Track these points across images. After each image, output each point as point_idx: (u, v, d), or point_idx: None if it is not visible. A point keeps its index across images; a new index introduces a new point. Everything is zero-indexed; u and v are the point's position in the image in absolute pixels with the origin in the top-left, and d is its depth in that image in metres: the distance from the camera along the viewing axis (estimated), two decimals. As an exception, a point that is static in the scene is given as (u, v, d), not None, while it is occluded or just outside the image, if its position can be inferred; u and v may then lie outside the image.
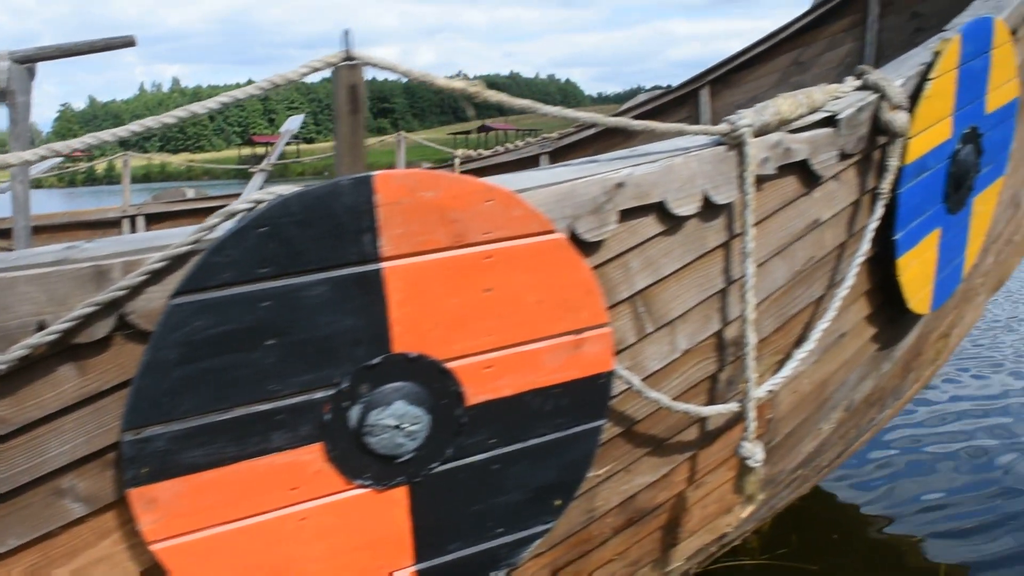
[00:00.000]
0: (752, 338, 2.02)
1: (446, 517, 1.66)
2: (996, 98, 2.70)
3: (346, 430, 1.53)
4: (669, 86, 5.75)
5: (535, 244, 1.61)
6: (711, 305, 2.06)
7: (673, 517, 2.34)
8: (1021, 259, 4.32)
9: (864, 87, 2.25)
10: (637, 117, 5.32)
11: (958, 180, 2.58)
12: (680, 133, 1.99)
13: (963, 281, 2.95)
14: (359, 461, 1.56)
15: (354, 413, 1.53)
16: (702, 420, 2.18)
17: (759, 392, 2.11)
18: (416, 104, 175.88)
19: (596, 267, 1.81)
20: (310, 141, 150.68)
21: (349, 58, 1.64)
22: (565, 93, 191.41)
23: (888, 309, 2.59)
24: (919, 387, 3.47)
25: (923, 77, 2.34)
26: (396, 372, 1.55)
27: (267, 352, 1.46)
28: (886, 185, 2.28)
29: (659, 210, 1.87)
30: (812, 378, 2.45)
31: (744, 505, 2.25)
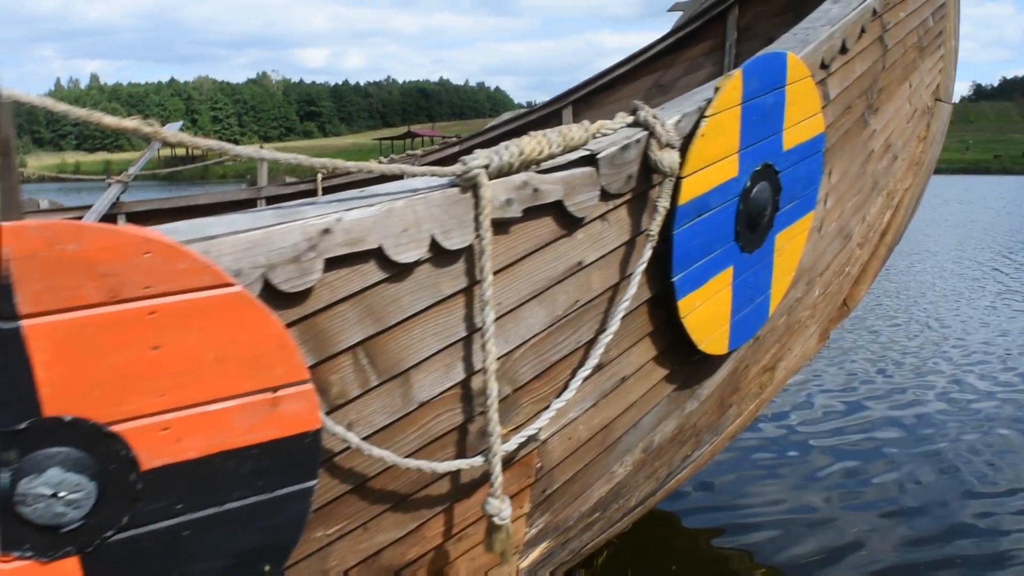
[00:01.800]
0: (493, 389, 1.95)
1: None
2: (795, 134, 2.72)
3: None
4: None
5: (207, 298, 1.50)
6: (453, 354, 1.97)
7: (434, 572, 2.26)
8: (864, 289, 4.69)
9: (635, 124, 2.22)
10: (501, 136, 5.54)
11: (752, 218, 2.57)
12: (401, 175, 1.89)
13: (770, 319, 2.98)
14: (16, 532, 1.43)
15: (2, 481, 1.41)
16: (453, 473, 2.09)
17: (510, 445, 2.06)
18: (344, 108, 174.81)
19: (304, 318, 1.72)
20: (235, 142, 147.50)
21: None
22: (494, 101, 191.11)
23: (680, 350, 2.57)
24: (744, 421, 3.52)
25: (701, 114, 2.33)
26: (49, 437, 1.43)
27: None
28: (655, 226, 2.23)
29: (379, 256, 1.77)
30: (591, 423, 2.42)
31: (504, 561, 2.23)
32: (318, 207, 1.72)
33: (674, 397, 2.78)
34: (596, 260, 2.23)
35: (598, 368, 2.33)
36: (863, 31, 3.28)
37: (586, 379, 2.25)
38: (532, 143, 1.98)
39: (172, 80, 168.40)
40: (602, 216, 2.21)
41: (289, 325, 1.69)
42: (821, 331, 3.92)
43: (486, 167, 1.89)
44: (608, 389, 2.44)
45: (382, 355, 1.87)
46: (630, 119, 2.25)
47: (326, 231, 1.68)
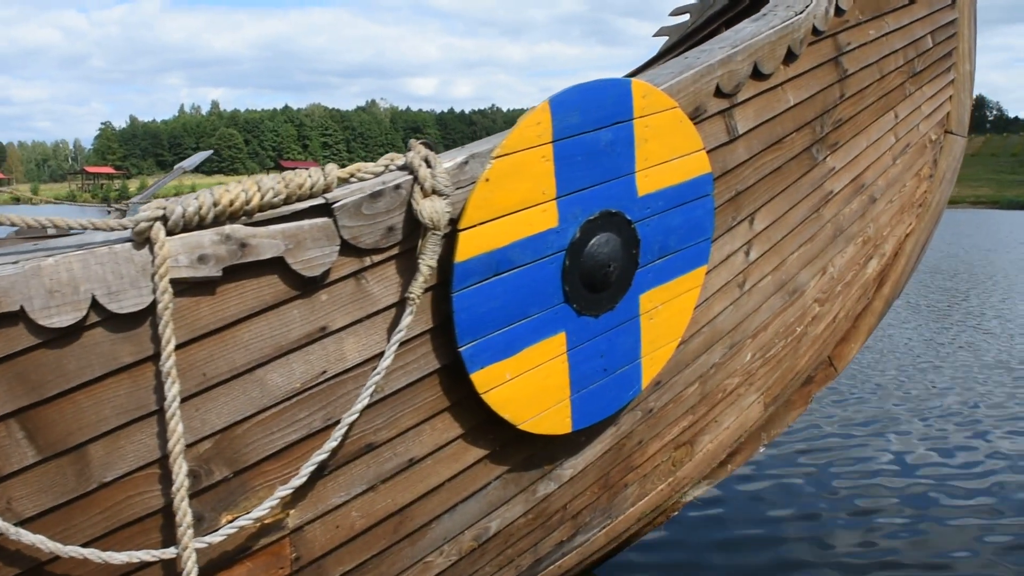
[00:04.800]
0: (181, 472, 1.72)
1: None
2: (658, 177, 2.33)
3: None
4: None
5: None
6: (144, 430, 1.74)
7: None
8: (856, 347, 4.13)
9: (404, 166, 1.92)
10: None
11: (591, 276, 2.21)
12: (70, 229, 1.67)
13: (663, 389, 2.70)
14: None
15: None
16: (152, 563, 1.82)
17: (224, 533, 1.81)
18: (448, 135, 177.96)
19: None
20: (341, 167, 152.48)
21: None
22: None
23: (506, 427, 2.21)
24: (659, 500, 3.10)
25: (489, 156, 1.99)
26: None
27: None
28: (416, 288, 1.91)
29: (25, 319, 1.57)
30: (370, 510, 2.12)
31: None
32: None
33: (511, 479, 2.40)
34: (349, 326, 1.92)
35: (369, 448, 2.03)
36: (791, 53, 2.79)
37: (334, 461, 1.97)
38: (232, 192, 1.72)
39: (286, 107, 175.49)
40: (355, 275, 1.90)
41: None
42: (771, 398, 3.39)
43: (162, 219, 1.65)
44: (389, 472, 2.09)
45: (46, 428, 1.63)
46: (400, 160, 1.93)
47: None
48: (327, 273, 1.84)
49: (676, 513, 3.52)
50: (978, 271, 19.32)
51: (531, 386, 2.17)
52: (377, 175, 1.90)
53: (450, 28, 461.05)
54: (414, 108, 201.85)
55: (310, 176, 1.80)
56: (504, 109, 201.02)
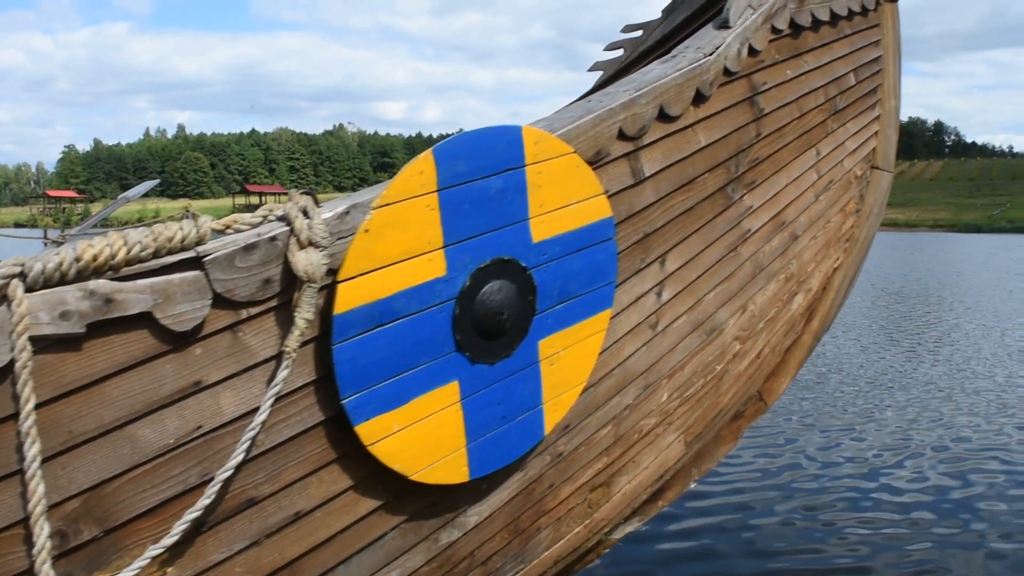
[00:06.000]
0: (43, 533, 1.67)
1: None
2: (555, 223, 2.31)
3: None
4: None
5: None
6: (5, 490, 1.69)
7: None
8: (786, 382, 4.13)
9: (282, 217, 1.89)
10: None
11: (485, 324, 2.19)
12: None
13: (573, 432, 2.67)
14: None
15: None
16: None
17: None
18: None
19: None
20: (308, 191, 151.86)
21: None
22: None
23: (400, 477, 2.18)
24: (577, 542, 3.03)
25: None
26: None
27: None
28: (292, 341, 1.87)
29: None
30: (256, 565, 2.06)
31: None
32: None
33: (410, 528, 2.36)
34: (226, 379, 1.87)
35: (251, 503, 1.98)
36: (701, 95, 2.80)
37: (213, 517, 1.90)
38: (97, 247, 1.68)
39: (253, 131, 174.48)
40: (231, 328, 1.86)
41: None
42: (692, 436, 3.37)
43: (20, 276, 1.60)
44: (275, 526, 2.04)
45: None
46: (279, 211, 1.89)
47: None
48: (200, 327, 1.79)
49: (607, 551, 3.50)
50: (946, 294, 19.63)
51: (423, 436, 2.14)
52: (254, 226, 1.87)
53: (419, 53, 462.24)
54: (383, 132, 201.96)
55: (181, 229, 1.77)
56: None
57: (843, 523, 5.45)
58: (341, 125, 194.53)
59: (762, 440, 7.16)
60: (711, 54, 2.86)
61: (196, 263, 1.77)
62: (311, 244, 1.83)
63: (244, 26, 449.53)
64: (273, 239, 1.84)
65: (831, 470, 6.45)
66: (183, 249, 1.77)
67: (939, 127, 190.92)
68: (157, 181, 8.48)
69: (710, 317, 3.17)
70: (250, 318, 1.86)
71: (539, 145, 2.24)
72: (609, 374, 2.75)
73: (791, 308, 3.81)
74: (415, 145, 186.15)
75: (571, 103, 3.21)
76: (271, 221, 1.89)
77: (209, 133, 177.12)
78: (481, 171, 2.13)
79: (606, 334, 2.62)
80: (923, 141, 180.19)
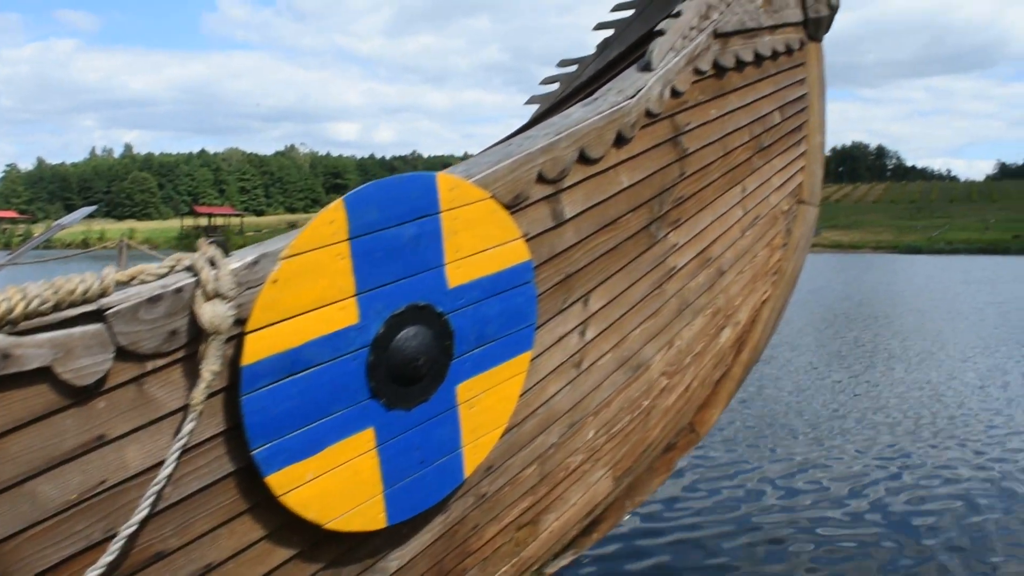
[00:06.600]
0: None
1: None
2: (471, 268, 2.34)
3: None
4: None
5: None
6: None
7: None
8: (717, 412, 4.17)
9: (189, 268, 1.87)
10: None
11: (400, 370, 2.19)
12: None
13: (497, 473, 2.68)
14: None
15: None
16: None
17: None
18: (369, 181, 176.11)
19: None
20: (260, 213, 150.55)
21: None
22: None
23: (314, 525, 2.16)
24: None
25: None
26: None
27: None
28: (198, 393, 1.85)
29: None
30: None
31: None
32: None
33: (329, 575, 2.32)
34: (131, 433, 1.83)
35: (160, 557, 1.94)
36: (622, 137, 2.85)
37: (119, 572, 1.86)
38: None
39: (202, 151, 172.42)
40: (136, 380, 1.82)
41: None
42: (622, 471, 3.40)
43: None
44: None
45: None
46: (187, 261, 1.87)
47: None
48: (103, 380, 1.75)
49: None
50: (894, 315, 20.06)
51: (337, 484, 2.11)
52: (160, 277, 1.84)
53: (373, 74, 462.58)
54: (336, 153, 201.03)
55: (83, 281, 1.73)
56: (425, 155, 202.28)
57: (798, 550, 5.49)
58: (292, 146, 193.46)
59: (709, 471, 7.19)
60: (632, 97, 2.91)
61: (99, 316, 1.74)
62: (217, 295, 1.81)
63: (195, 45, 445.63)
64: (179, 291, 1.82)
65: (786, 501, 6.47)
66: (85, 302, 1.73)
67: (881, 151, 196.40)
68: (95, 207, 8.33)
69: (636, 354, 3.21)
70: (156, 370, 1.83)
71: (454, 192, 2.26)
72: (533, 414, 2.77)
73: (719, 341, 3.87)
74: (368, 167, 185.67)
75: (491, 146, 3.24)
76: (178, 272, 1.87)
77: (158, 153, 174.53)
78: (394, 219, 2.14)
79: (528, 375, 2.64)
80: (866, 165, 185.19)
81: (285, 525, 2.13)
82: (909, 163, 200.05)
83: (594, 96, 2.93)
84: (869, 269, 42.32)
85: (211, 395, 1.90)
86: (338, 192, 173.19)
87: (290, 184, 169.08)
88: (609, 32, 5.09)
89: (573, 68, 5.16)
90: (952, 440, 8.24)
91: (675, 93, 3.17)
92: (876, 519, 6.04)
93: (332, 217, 2.02)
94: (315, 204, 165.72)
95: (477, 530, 2.75)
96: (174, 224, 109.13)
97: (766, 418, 9.12)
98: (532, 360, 2.64)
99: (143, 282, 1.83)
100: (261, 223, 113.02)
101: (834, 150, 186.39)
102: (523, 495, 2.88)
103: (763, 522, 5.98)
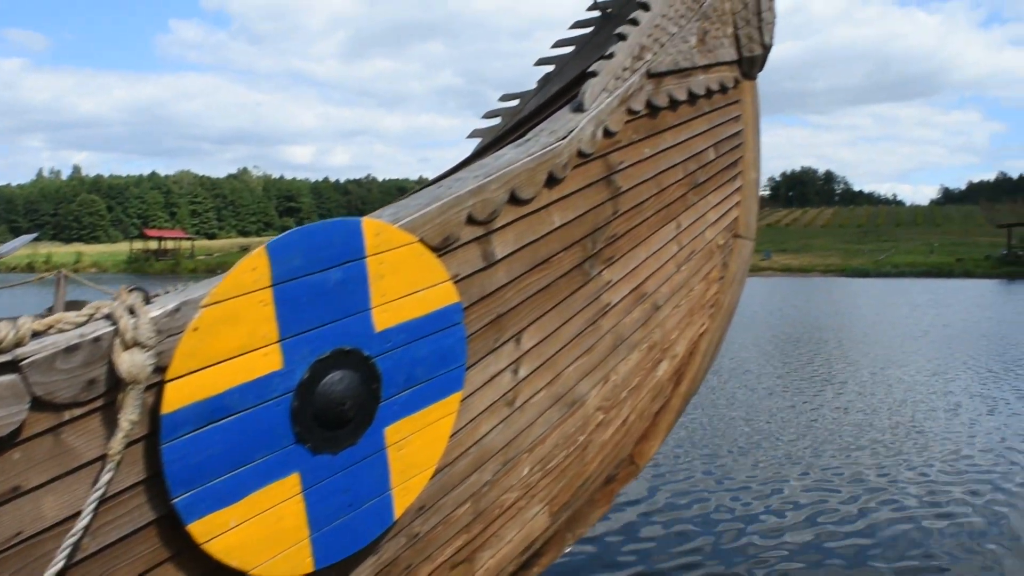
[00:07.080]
0: None
1: None
2: (399, 311, 2.35)
3: None
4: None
5: None
6: None
7: None
8: (656, 444, 4.19)
9: (108, 316, 1.86)
10: None
11: (325, 415, 2.19)
12: None
13: (429, 513, 2.69)
14: None
15: None
16: None
17: None
18: (323, 205, 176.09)
19: None
20: (212, 237, 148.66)
21: None
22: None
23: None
24: None
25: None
26: None
27: None
28: (116, 443, 1.83)
29: None
30: None
31: None
32: None
33: None
34: (48, 483, 1.81)
35: None
36: (553, 177, 2.90)
37: None
38: None
39: (153, 173, 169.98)
40: (53, 430, 1.80)
41: None
42: (559, 506, 3.42)
43: None
44: None
45: None
46: (106, 309, 1.86)
47: None
48: (18, 431, 1.73)
49: None
50: (843, 338, 20.43)
51: (262, 530, 2.10)
52: (79, 325, 1.83)
53: (328, 97, 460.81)
54: (289, 176, 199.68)
55: (3, 329, 1.73)
56: (380, 179, 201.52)
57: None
58: (245, 169, 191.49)
59: (661, 498, 7.23)
60: (564, 138, 2.96)
61: (13, 367, 1.72)
62: (136, 344, 1.80)
63: (147, 66, 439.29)
64: (97, 340, 1.80)
65: (738, 525, 6.55)
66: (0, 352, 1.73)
67: (829, 176, 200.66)
68: (34, 236, 8.13)
69: (571, 390, 3.24)
70: (73, 419, 1.81)
71: (380, 236, 2.28)
72: (465, 453, 2.78)
73: (657, 374, 3.92)
74: (322, 190, 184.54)
75: (422, 187, 3.27)
76: (97, 320, 1.86)
77: (107, 175, 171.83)
78: (318, 264, 2.15)
79: (460, 414, 2.65)
80: (815, 189, 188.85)
81: (208, 573, 2.11)
82: (857, 188, 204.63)
83: (526, 137, 2.97)
84: (818, 292, 43.05)
85: (131, 443, 1.89)
86: (292, 215, 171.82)
87: (243, 207, 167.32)
88: (550, 68, 5.17)
89: (515, 103, 5.23)
90: (903, 463, 8.42)
91: (608, 133, 3.23)
92: (831, 547, 6.11)
93: (254, 264, 2.02)
94: (268, 227, 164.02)
95: (410, 570, 2.75)
96: (123, 247, 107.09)
97: (720, 444, 9.21)
98: (464, 400, 2.66)
99: (61, 331, 1.82)
100: (213, 246, 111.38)
101: (784, 175, 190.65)
102: (457, 533, 2.88)
103: (717, 548, 6.02)
